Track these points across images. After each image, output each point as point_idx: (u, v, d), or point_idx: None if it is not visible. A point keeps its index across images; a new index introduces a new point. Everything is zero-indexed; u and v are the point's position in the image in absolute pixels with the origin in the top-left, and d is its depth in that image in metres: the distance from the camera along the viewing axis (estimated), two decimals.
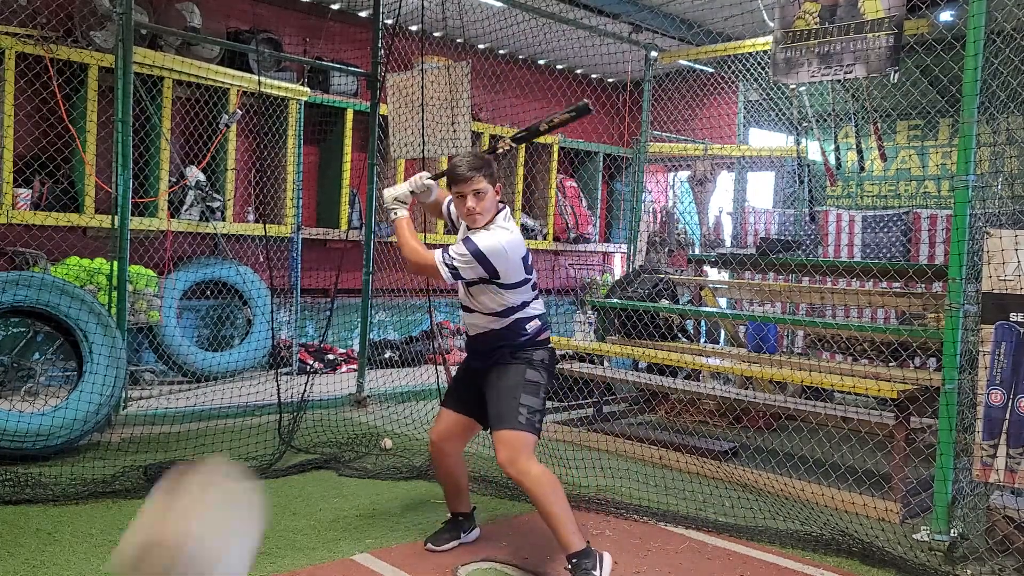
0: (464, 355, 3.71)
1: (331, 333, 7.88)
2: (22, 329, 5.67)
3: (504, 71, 8.79)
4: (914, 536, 3.78)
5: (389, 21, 6.56)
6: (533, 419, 3.26)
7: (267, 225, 7.14)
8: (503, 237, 3.27)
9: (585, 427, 5.79)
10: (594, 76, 10.47)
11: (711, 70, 8.86)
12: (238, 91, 6.88)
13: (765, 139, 9.78)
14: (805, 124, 7.70)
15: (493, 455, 4.83)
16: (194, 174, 6.78)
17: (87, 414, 4.65)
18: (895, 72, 4.21)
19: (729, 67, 8.03)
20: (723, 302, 7.70)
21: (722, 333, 7.22)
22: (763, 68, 7.36)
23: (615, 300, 6.53)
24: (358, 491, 4.31)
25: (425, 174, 3.59)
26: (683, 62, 8.22)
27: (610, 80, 10.56)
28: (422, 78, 5.69)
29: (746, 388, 6.03)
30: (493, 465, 4.72)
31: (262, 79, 6.65)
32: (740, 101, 9.32)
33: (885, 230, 8.40)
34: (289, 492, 4.24)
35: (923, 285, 6.14)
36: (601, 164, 10.32)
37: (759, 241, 7.12)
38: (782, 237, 8.35)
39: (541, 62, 9.85)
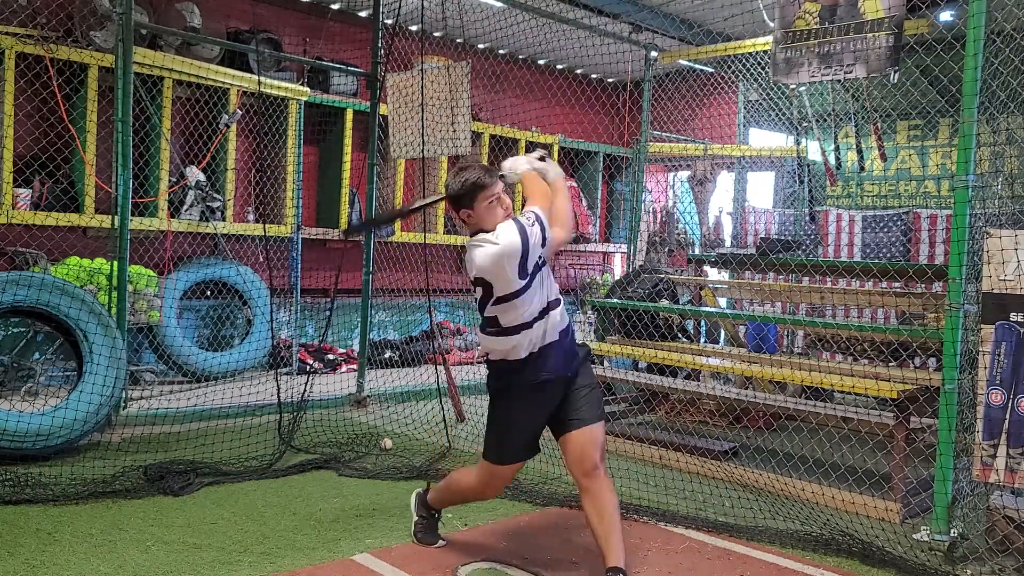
0: (466, 356, 3.66)
1: (331, 333, 7.88)
2: (22, 329, 5.68)
3: (504, 71, 8.79)
4: (914, 536, 3.78)
5: (389, 21, 6.56)
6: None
7: (267, 225, 7.14)
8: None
9: None
10: (594, 76, 10.47)
11: (711, 70, 8.87)
12: (238, 91, 6.88)
13: (765, 139, 9.78)
14: (805, 124, 7.70)
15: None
16: (194, 174, 6.79)
17: (87, 414, 4.65)
18: (895, 72, 4.20)
19: (729, 67, 8.03)
20: (723, 302, 7.70)
21: (722, 333, 7.22)
22: (763, 68, 7.36)
23: (615, 300, 6.53)
24: (358, 491, 4.31)
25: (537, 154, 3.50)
26: (683, 62, 8.22)
27: (610, 80, 10.56)
28: (422, 78, 5.69)
29: (746, 388, 6.03)
30: None
31: (262, 79, 6.65)
32: (740, 101, 9.32)
33: (885, 230, 8.40)
34: (289, 492, 4.24)
35: (923, 285, 6.14)
36: (601, 164, 10.32)
37: (759, 241, 7.12)
38: (782, 237, 8.35)
39: (541, 62, 9.85)
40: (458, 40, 7.94)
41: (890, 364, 5.21)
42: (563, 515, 4.05)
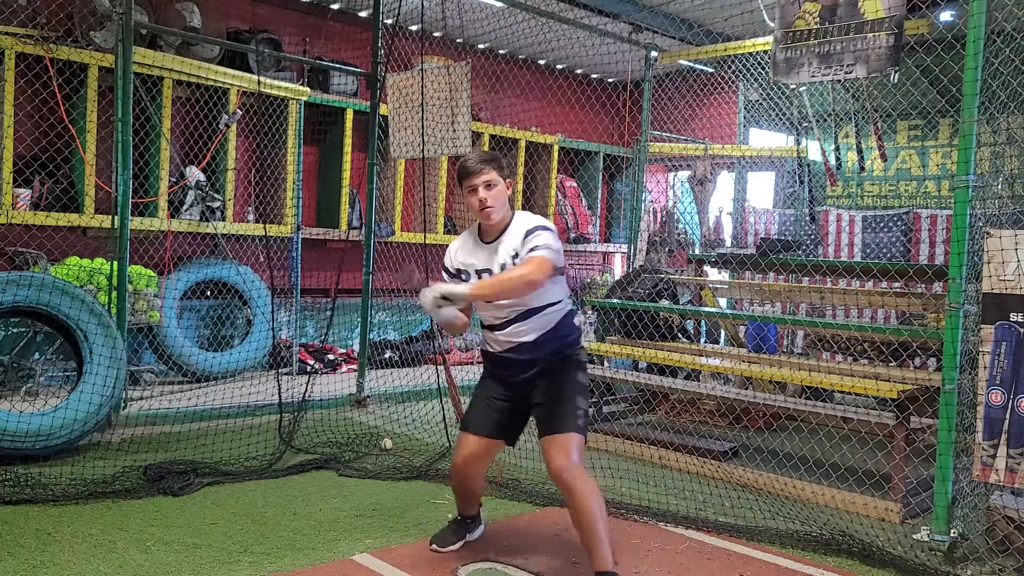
0: (466, 356, 3.68)
1: (331, 333, 7.88)
2: (22, 329, 5.68)
3: (504, 71, 8.79)
4: (914, 536, 3.78)
5: (389, 21, 6.56)
6: (586, 422, 3.25)
7: (267, 225, 7.14)
8: (542, 217, 3.28)
9: None
10: (594, 76, 10.47)
11: (711, 70, 8.87)
12: (238, 91, 6.88)
13: (765, 139, 9.78)
14: (805, 124, 7.70)
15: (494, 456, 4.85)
16: (194, 174, 6.79)
17: (87, 414, 4.65)
18: (895, 72, 4.20)
19: (729, 67, 8.03)
20: (723, 302, 7.70)
21: (722, 333, 7.22)
22: (763, 68, 7.37)
23: (615, 300, 6.52)
24: (358, 491, 4.31)
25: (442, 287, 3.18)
26: (683, 62, 8.23)
27: (610, 80, 10.56)
28: (422, 78, 5.69)
29: (746, 388, 6.03)
30: (493, 465, 4.72)
31: (262, 79, 6.65)
32: (740, 101, 9.32)
33: (885, 230, 8.39)
34: (289, 492, 4.24)
35: (923, 285, 6.13)
36: (601, 164, 10.32)
37: (759, 241, 7.12)
38: (782, 237, 8.35)
39: (541, 62, 9.85)
40: (458, 40, 7.94)
41: (890, 364, 5.21)
42: (563, 515, 4.03)
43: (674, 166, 10.16)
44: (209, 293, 7.05)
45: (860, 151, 6.33)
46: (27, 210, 5.99)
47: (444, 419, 5.47)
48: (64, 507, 3.82)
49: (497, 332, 3.29)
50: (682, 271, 7.70)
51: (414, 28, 7.97)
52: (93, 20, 6.16)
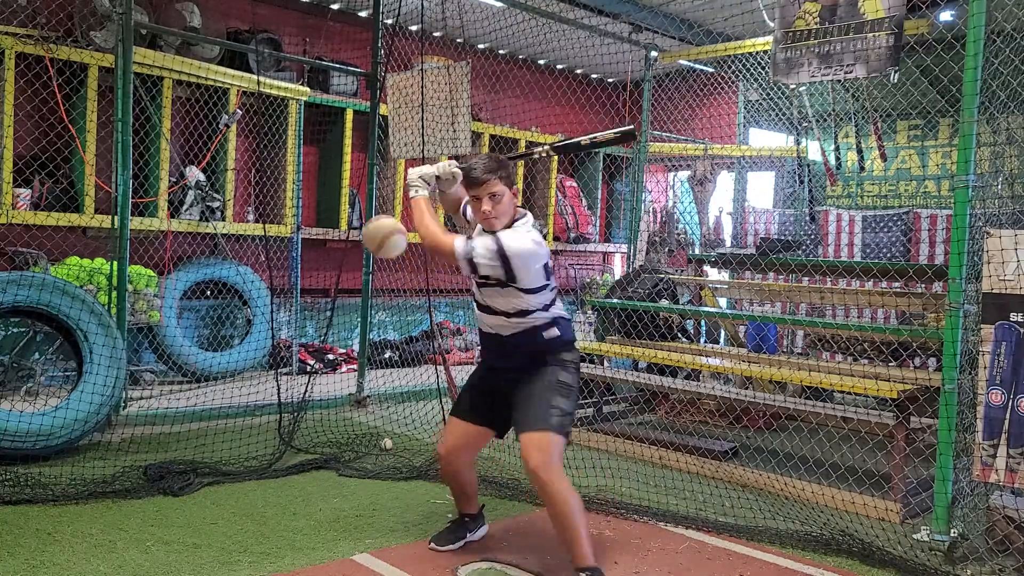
0: (466, 356, 3.69)
1: (331, 333, 7.88)
2: (22, 329, 5.68)
3: (504, 71, 8.79)
4: (914, 536, 3.78)
5: (389, 21, 6.56)
6: (564, 422, 3.21)
7: (267, 225, 7.14)
8: (528, 244, 3.18)
9: (585, 427, 5.79)
10: (594, 76, 10.47)
11: (711, 70, 8.87)
12: (238, 91, 6.88)
13: (765, 139, 9.78)
14: (805, 124, 7.70)
15: (493, 455, 4.86)
16: (194, 174, 6.78)
17: (87, 414, 4.65)
18: (895, 72, 4.20)
19: (729, 67, 8.03)
20: (723, 302, 7.70)
21: (722, 333, 7.22)
22: (763, 68, 7.37)
23: (615, 300, 6.53)
24: (358, 491, 4.31)
25: (454, 162, 3.44)
26: (683, 62, 8.22)
27: (610, 80, 10.56)
28: (422, 78, 5.69)
29: (746, 388, 6.03)
30: (494, 465, 4.73)
31: (262, 79, 6.65)
32: (740, 101, 9.32)
33: (885, 230, 8.40)
34: (289, 492, 4.24)
35: (923, 285, 6.13)
36: (601, 164, 10.32)
37: (759, 241, 7.12)
38: (782, 237, 8.35)
39: (541, 62, 9.85)
40: (458, 40, 7.94)
41: (890, 364, 5.21)
42: None
43: (674, 166, 10.16)
44: (209, 293, 7.05)
45: (860, 151, 6.32)
46: (27, 210, 5.99)
47: (444, 419, 5.46)
48: (64, 507, 3.82)
49: (480, 312, 3.43)
50: (682, 271, 7.70)
51: (414, 28, 7.97)
52: (93, 20, 6.16)
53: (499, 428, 3.48)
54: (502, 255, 3.14)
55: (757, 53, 7.21)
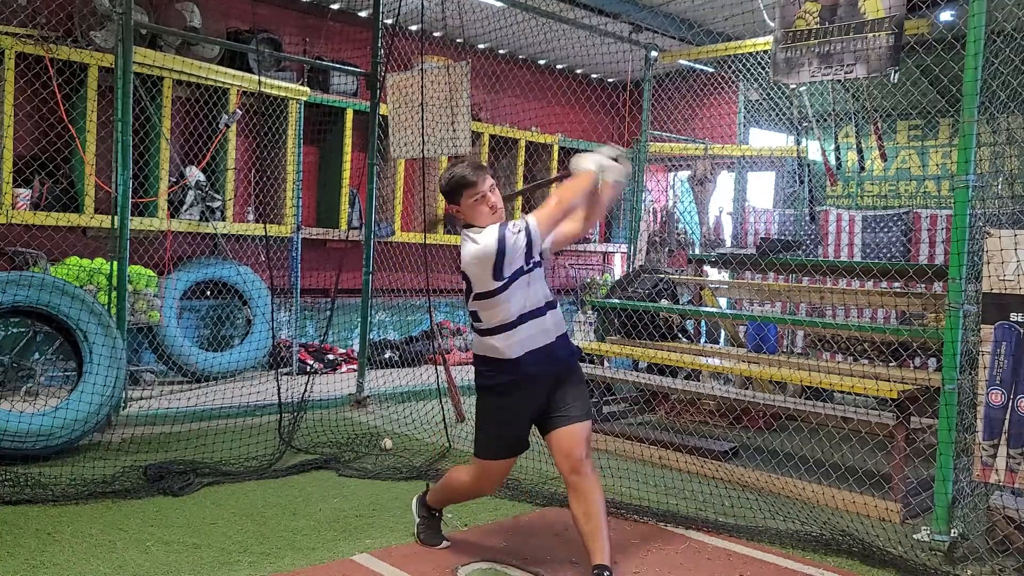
0: (466, 356, 3.68)
1: (331, 333, 7.88)
2: (22, 329, 5.68)
3: (504, 71, 8.79)
4: (914, 536, 3.78)
5: (389, 21, 6.56)
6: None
7: (267, 225, 7.14)
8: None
9: None
10: (594, 76, 10.47)
11: (711, 70, 8.87)
12: (238, 91, 6.88)
13: (765, 139, 9.78)
14: (805, 124, 7.70)
15: None
16: (194, 174, 6.79)
17: (87, 414, 4.65)
18: (895, 72, 4.20)
19: (729, 67, 8.03)
20: (723, 302, 7.70)
21: (722, 333, 7.22)
22: (763, 68, 7.37)
23: (615, 300, 6.53)
24: (358, 491, 4.31)
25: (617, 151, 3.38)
26: (683, 62, 8.23)
27: (610, 80, 10.56)
28: (422, 78, 5.69)
29: (746, 388, 6.03)
30: None
31: (262, 79, 6.65)
32: (740, 101, 9.32)
33: (885, 230, 8.39)
34: (289, 492, 4.24)
35: (923, 285, 6.13)
36: None
37: (759, 241, 7.13)
38: (782, 237, 8.35)
39: (541, 62, 9.85)
40: (458, 40, 7.94)
41: (890, 364, 5.21)
42: (563, 515, 4.04)
43: (674, 166, 10.16)
44: (209, 293, 7.05)
45: (860, 151, 6.33)
46: (27, 210, 5.99)
47: (444, 419, 5.47)
48: (64, 507, 3.82)
49: (518, 327, 3.16)
50: (682, 271, 7.70)
51: (414, 28, 7.97)
52: (93, 20, 6.16)
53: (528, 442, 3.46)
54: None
55: (757, 53, 7.21)
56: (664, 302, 6.54)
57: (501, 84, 8.88)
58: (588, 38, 7.63)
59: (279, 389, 5.23)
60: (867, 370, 4.81)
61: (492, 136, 8.89)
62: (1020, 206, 4.45)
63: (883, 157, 5.90)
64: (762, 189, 10.04)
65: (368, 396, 6.41)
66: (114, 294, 5.25)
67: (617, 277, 9.81)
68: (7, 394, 5.47)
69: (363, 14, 8.12)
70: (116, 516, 3.75)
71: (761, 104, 8.76)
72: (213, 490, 4.19)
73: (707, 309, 6.63)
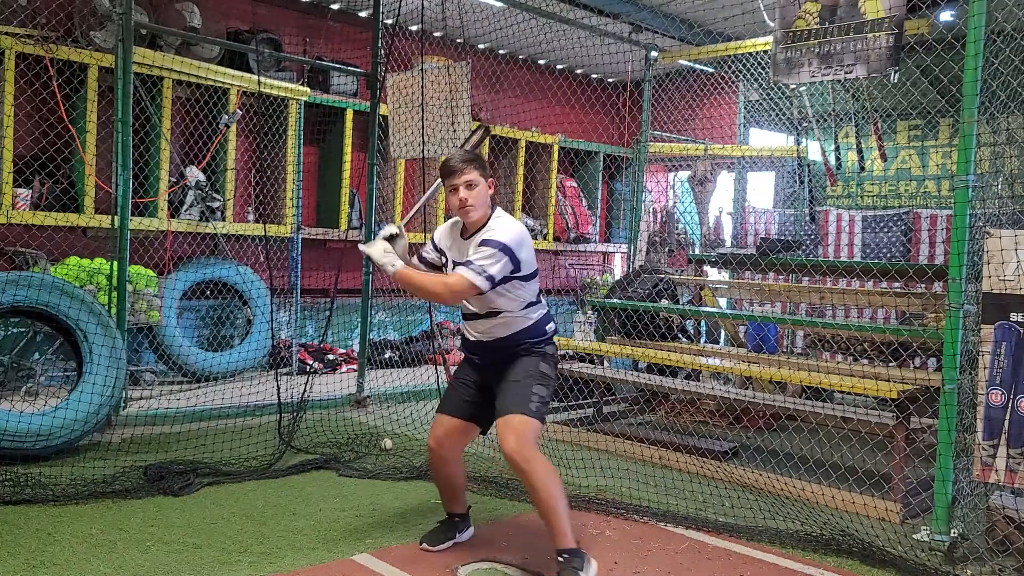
0: (462, 356, 3.70)
1: (331, 333, 7.87)
2: (22, 329, 5.67)
3: (504, 71, 8.79)
4: (914, 536, 3.78)
5: (389, 21, 6.56)
6: (542, 409, 3.30)
7: (267, 225, 7.14)
8: (515, 226, 3.30)
9: (585, 427, 5.79)
10: (594, 76, 10.47)
11: (711, 70, 8.87)
12: (238, 91, 6.88)
13: (765, 139, 9.78)
14: (805, 124, 7.70)
15: (493, 455, 4.85)
16: (194, 174, 6.78)
17: (87, 414, 4.65)
18: (895, 72, 4.20)
19: (729, 67, 8.03)
20: (723, 302, 7.70)
21: (722, 333, 7.22)
22: (763, 68, 7.37)
23: (615, 300, 6.53)
24: (358, 491, 4.31)
25: (391, 225, 3.52)
26: (683, 62, 8.22)
27: (610, 80, 10.56)
28: (422, 78, 5.69)
29: (746, 388, 6.03)
30: (493, 466, 4.73)
31: (262, 79, 6.65)
32: (740, 101, 9.32)
33: (885, 230, 8.40)
34: (289, 492, 4.24)
35: (923, 285, 6.13)
36: (601, 164, 10.32)
37: (759, 241, 7.13)
38: (782, 237, 8.35)
39: (541, 62, 9.85)
40: (458, 40, 7.94)
41: (890, 364, 5.21)
42: None
43: (674, 166, 10.16)
44: (209, 293, 7.05)
45: (860, 151, 6.32)
46: (27, 210, 5.99)
47: None
48: (64, 507, 3.82)
49: (471, 321, 3.45)
50: (682, 271, 7.71)
51: (414, 28, 7.97)
52: (93, 20, 6.16)
53: (484, 424, 3.56)
54: (505, 249, 3.20)
55: (757, 53, 7.21)
56: (664, 302, 6.54)
57: (501, 84, 8.88)
58: (588, 38, 7.63)
59: (279, 389, 5.23)
60: (867, 370, 4.82)
61: (492, 136, 8.89)
62: (1020, 206, 4.45)
63: (883, 157, 5.90)
64: (762, 189, 10.05)
65: (368, 396, 6.41)
66: (114, 294, 5.25)
67: (617, 277, 9.81)
68: (7, 394, 5.47)
69: (363, 14, 8.11)
70: (116, 516, 3.75)
71: (761, 104, 8.76)
72: (213, 490, 4.19)
73: (707, 309, 6.64)
